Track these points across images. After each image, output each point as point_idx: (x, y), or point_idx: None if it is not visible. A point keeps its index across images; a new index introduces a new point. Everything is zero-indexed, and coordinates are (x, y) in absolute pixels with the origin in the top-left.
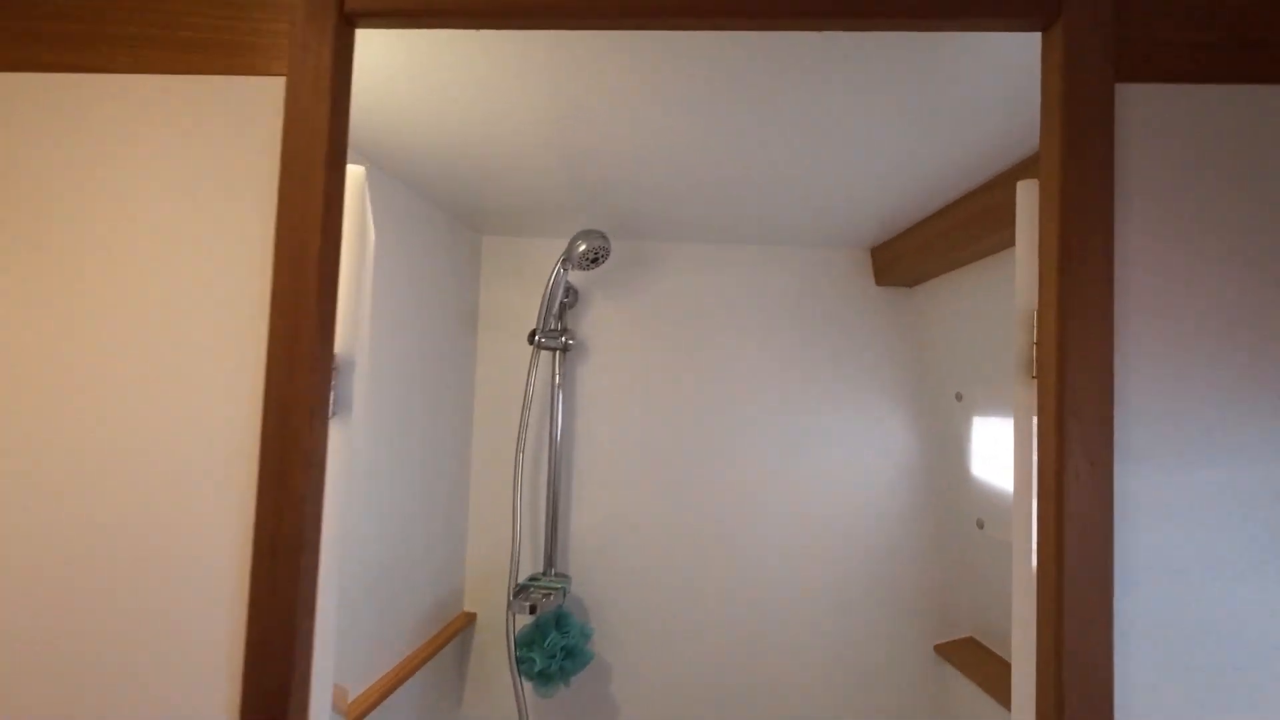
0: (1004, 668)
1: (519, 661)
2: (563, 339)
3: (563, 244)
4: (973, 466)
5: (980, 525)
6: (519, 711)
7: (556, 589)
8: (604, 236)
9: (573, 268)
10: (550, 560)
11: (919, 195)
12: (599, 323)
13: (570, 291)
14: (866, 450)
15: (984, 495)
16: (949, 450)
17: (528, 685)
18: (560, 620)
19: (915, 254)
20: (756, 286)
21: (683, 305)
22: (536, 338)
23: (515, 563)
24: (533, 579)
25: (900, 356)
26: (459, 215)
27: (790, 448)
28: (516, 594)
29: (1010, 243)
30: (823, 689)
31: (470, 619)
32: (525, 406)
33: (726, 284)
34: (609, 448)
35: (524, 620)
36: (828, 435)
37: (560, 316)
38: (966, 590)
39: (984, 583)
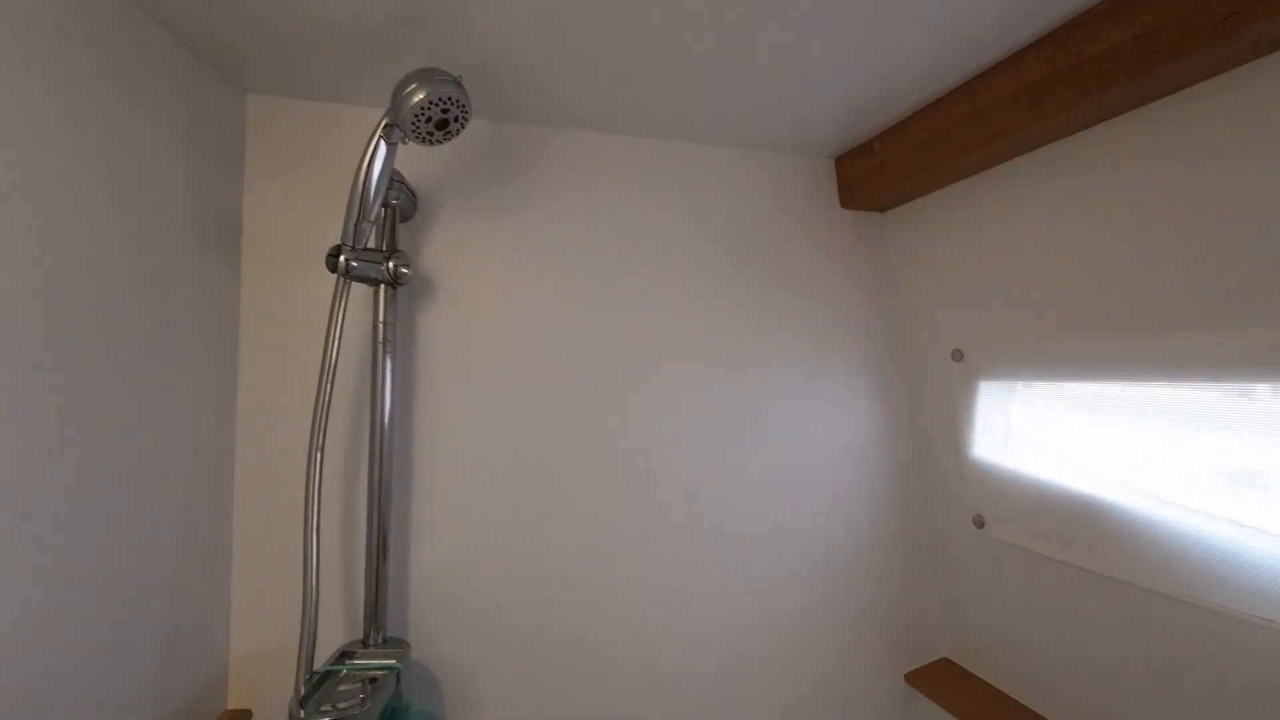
0: (988, 694)
1: None
2: (389, 265)
3: (383, 109)
4: (974, 448)
5: (979, 523)
6: None
7: (383, 671)
8: (458, 84)
9: (404, 139)
10: (374, 622)
11: (896, 83)
12: (452, 246)
13: (402, 190)
14: (833, 433)
15: (986, 485)
16: (942, 428)
17: None
18: (392, 718)
19: (893, 166)
20: (688, 203)
21: (580, 225)
22: (343, 260)
23: (308, 636)
24: (345, 655)
25: (877, 306)
26: (202, 53)
27: (731, 431)
28: (308, 695)
29: (1016, 151)
30: None
31: None
32: (326, 377)
33: (647, 196)
34: (468, 440)
35: None
36: (782, 415)
37: (386, 230)
38: (951, 603)
39: (977, 594)
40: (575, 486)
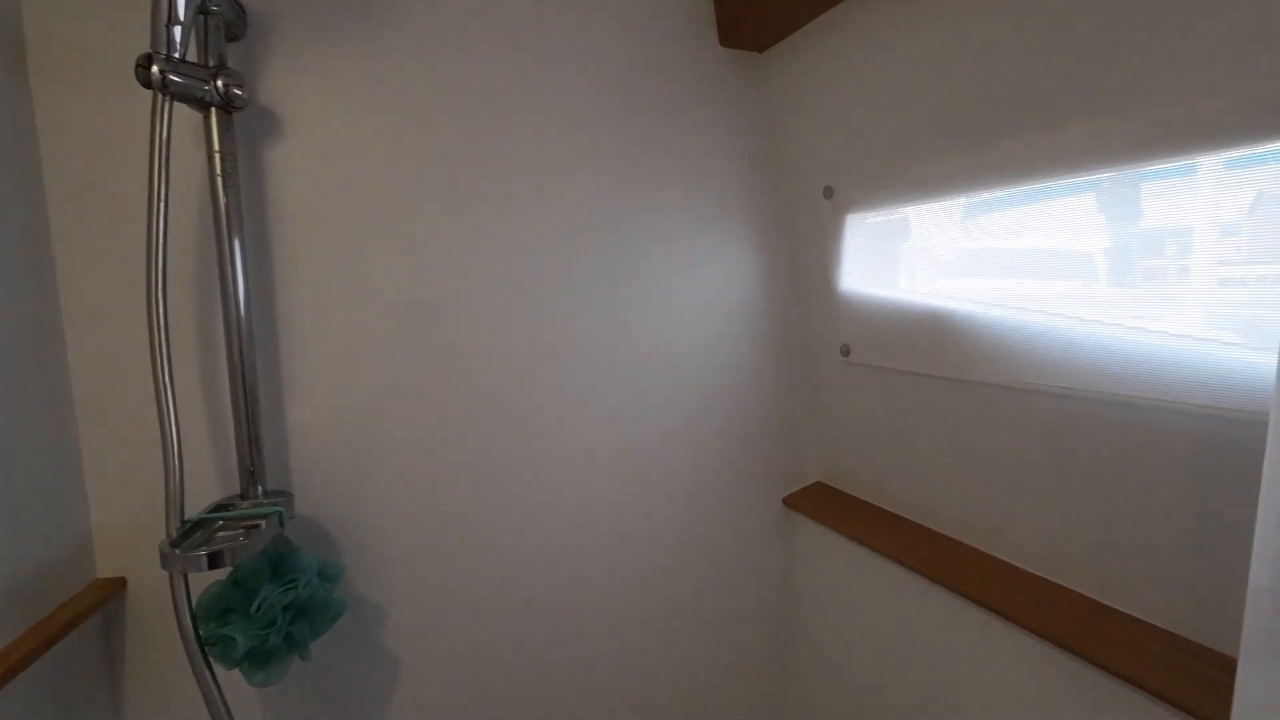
0: (858, 507)
1: (208, 645)
2: (218, 84)
3: None
4: (842, 281)
5: (845, 352)
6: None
7: (264, 517)
8: None
9: None
10: (252, 480)
11: None
12: (301, 77)
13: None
14: (709, 278)
15: (852, 315)
16: (814, 264)
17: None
18: (279, 563)
19: None
20: (557, 45)
21: (441, 66)
22: (156, 71)
23: (175, 489)
24: (221, 508)
25: (754, 150)
26: None
27: (607, 278)
28: (181, 539)
29: None
30: (664, 570)
31: (114, 589)
32: (156, 211)
33: (508, 36)
34: (336, 296)
35: (211, 579)
36: (658, 262)
37: (211, 43)
38: (822, 430)
39: (844, 419)
40: (455, 340)
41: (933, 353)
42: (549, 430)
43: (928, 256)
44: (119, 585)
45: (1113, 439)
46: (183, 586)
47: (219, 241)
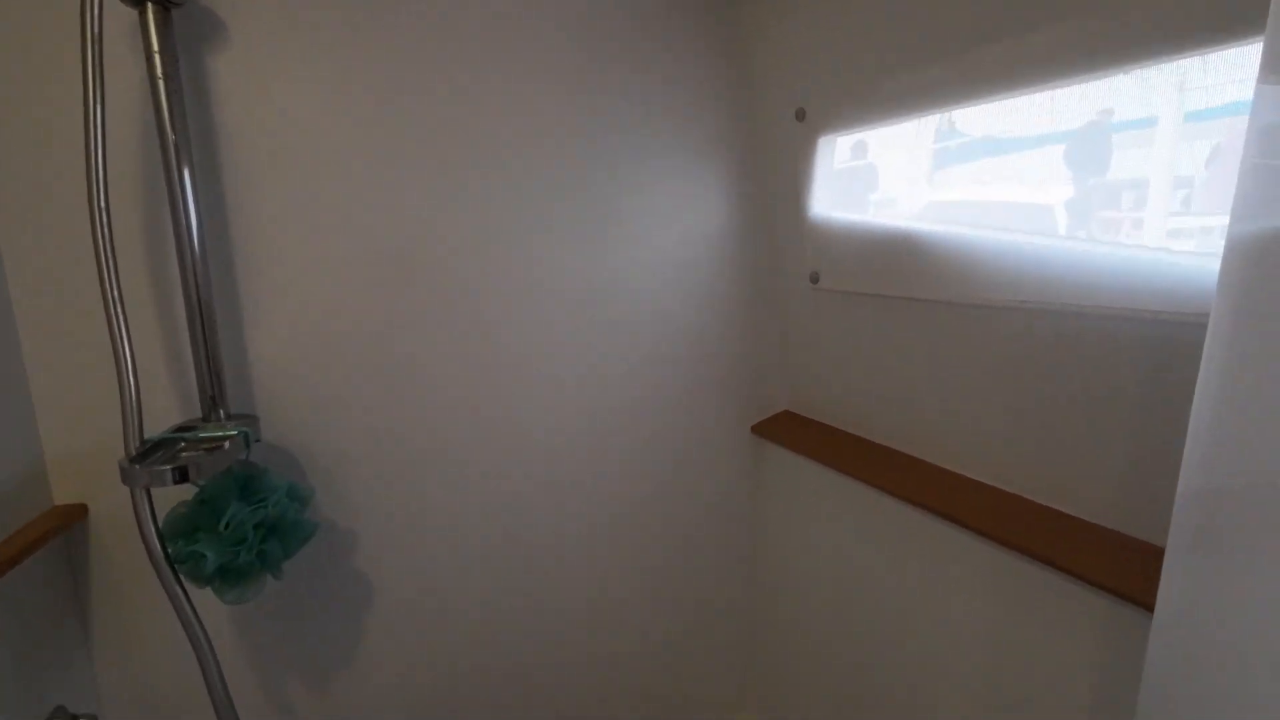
0: (824, 432)
1: (177, 563)
2: None
3: None
4: (813, 207)
5: (814, 279)
6: (194, 642)
7: (229, 437)
8: None
9: None
10: (214, 401)
11: None
12: None
13: None
14: (679, 207)
15: (821, 241)
16: (784, 190)
17: (209, 596)
18: (248, 484)
19: None
20: None
21: None
22: None
23: (131, 407)
24: (183, 430)
25: (723, 72)
26: None
27: (574, 209)
28: (142, 457)
29: None
30: (635, 499)
31: (74, 516)
32: (92, 121)
33: None
34: (294, 219)
35: (180, 498)
36: (627, 191)
37: None
38: (790, 360)
39: (812, 347)
40: (421, 268)
41: (900, 275)
42: (517, 360)
43: (898, 177)
44: (79, 513)
45: (1067, 349)
46: (146, 506)
47: (165, 154)
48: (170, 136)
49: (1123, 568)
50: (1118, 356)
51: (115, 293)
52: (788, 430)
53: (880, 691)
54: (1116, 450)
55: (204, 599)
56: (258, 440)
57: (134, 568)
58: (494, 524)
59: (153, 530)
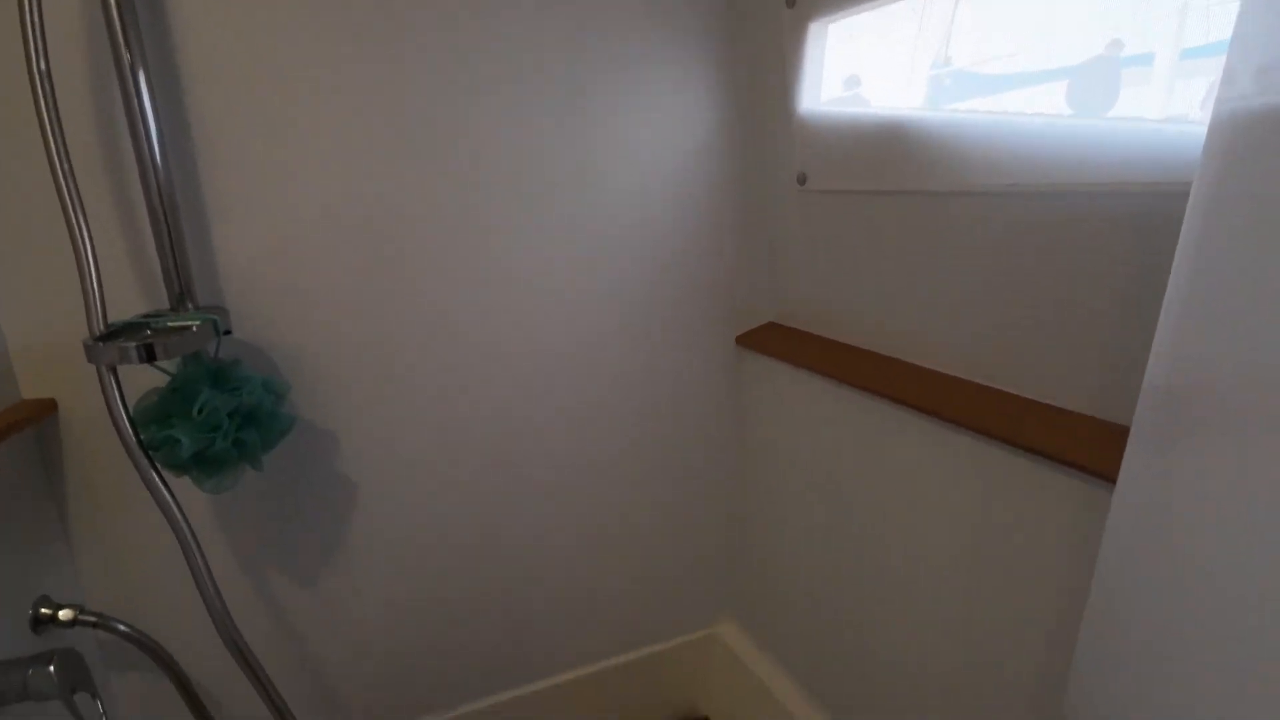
0: (809, 340)
1: (151, 449)
2: None
3: None
4: (802, 101)
5: (801, 180)
6: (175, 528)
7: (195, 321)
8: None
9: None
10: (184, 293)
11: None
12: None
13: None
14: (659, 109)
15: (809, 138)
16: (771, 86)
17: (187, 485)
18: (221, 373)
19: None
20: None
21: None
22: None
23: (93, 293)
24: (150, 317)
25: None
26: None
27: (550, 112)
28: (108, 336)
29: None
30: (619, 413)
31: (43, 410)
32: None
33: None
34: (268, 100)
35: (151, 383)
36: (606, 90)
37: None
38: (774, 269)
39: (798, 254)
40: (399, 168)
41: (892, 166)
42: (494, 268)
43: (891, 63)
44: (49, 406)
45: (1056, 233)
46: (115, 391)
47: (117, 46)
48: (118, 26)
49: (1100, 450)
50: (1110, 235)
51: (65, 165)
52: (772, 339)
53: (860, 587)
54: (1100, 336)
55: (185, 495)
56: (228, 332)
57: (109, 461)
58: (474, 430)
59: (123, 414)
